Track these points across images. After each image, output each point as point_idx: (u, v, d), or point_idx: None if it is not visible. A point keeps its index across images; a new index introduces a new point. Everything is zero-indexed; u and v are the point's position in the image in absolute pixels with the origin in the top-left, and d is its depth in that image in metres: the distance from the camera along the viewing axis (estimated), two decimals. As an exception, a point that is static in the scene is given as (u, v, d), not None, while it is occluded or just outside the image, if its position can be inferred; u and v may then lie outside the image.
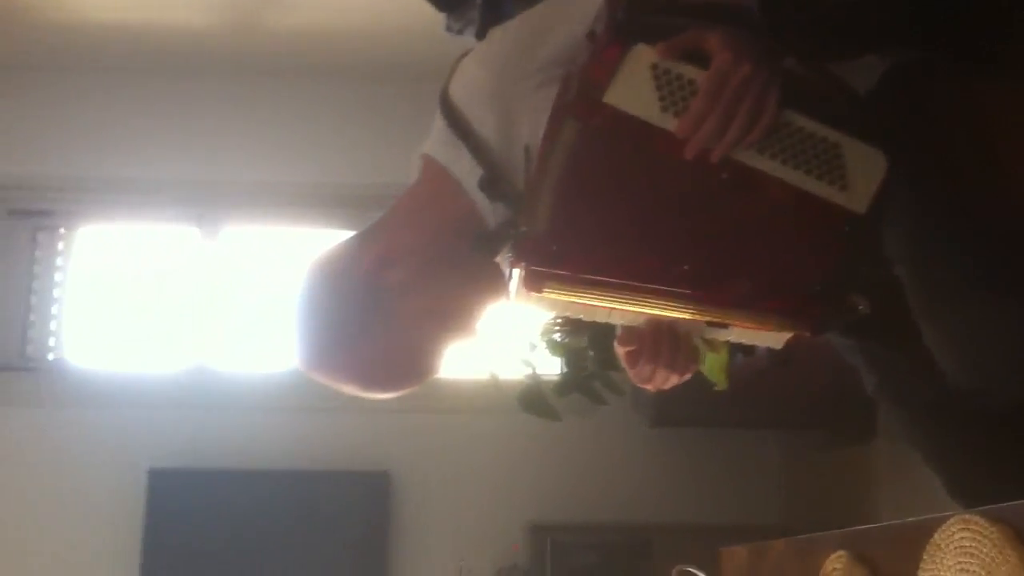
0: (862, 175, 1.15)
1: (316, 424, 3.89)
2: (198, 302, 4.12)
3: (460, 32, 2.32)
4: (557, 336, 3.17)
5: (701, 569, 1.69)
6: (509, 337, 3.25)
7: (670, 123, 1.11)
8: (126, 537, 3.81)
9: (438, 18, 2.33)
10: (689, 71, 1.11)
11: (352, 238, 1.32)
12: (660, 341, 1.28)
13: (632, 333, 1.29)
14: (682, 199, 1.16)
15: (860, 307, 1.21)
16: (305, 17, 3.83)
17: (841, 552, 1.30)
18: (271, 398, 3.93)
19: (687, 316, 1.23)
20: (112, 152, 4.10)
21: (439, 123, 1.29)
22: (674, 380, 1.33)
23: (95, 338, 4.16)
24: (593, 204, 1.16)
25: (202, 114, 4.17)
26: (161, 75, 4.14)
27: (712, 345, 1.34)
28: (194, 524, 3.82)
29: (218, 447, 3.92)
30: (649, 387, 1.35)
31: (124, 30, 3.88)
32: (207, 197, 4.15)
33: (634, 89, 1.10)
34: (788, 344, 1.29)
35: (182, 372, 4.07)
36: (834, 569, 1.31)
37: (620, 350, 1.32)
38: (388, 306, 1.24)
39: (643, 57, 1.10)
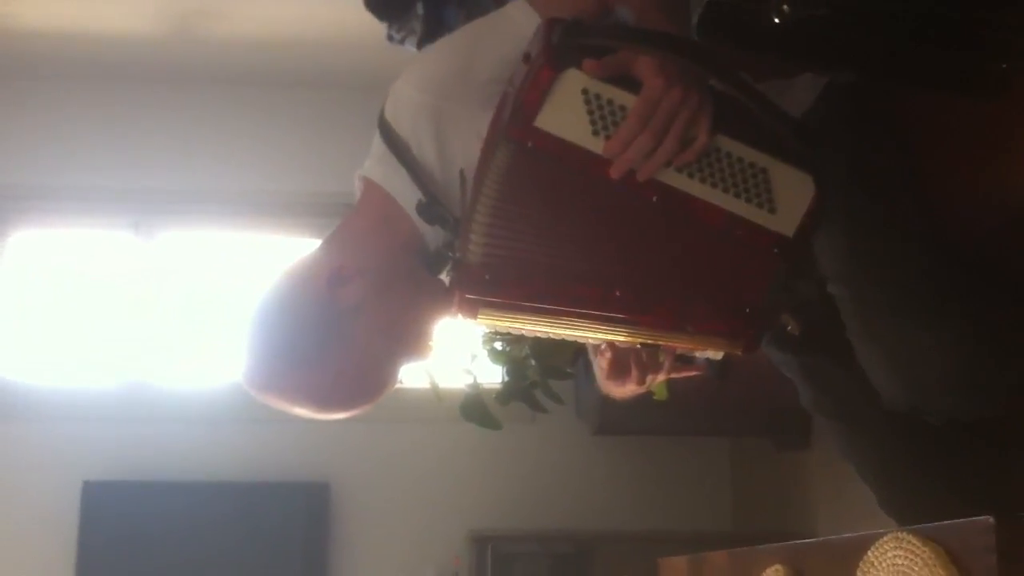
0: (790, 198, 1.18)
1: (254, 435, 3.84)
2: (134, 310, 4.05)
3: (402, 42, 2.30)
4: (498, 345, 3.16)
5: (642, 580, 1.69)
6: (450, 346, 3.24)
7: (601, 147, 1.12)
8: (60, 550, 3.73)
9: (382, 28, 2.32)
10: (620, 96, 1.12)
11: (307, 256, 1.29)
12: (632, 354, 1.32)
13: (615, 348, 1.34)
14: (613, 223, 1.17)
15: (789, 327, 1.23)
16: (247, 27, 3.78)
17: (778, 566, 1.31)
18: (208, 409, 3.87)
19: (621, 339, 1.26)
20: (45, 157, 4.02)
21: (379, 145, 1.28)
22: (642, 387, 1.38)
23: (27, 349, 4.06)
24: (526, 230, 1.17)
25: (140, 120, 4.10)
26: (98, 82, 4.06)
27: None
28: (129, 537, 3.75)
29: (153, 459, 3.85)
30: (624, 393, 1.39)
31: (62, 37, 3.81)
32: (144, 204, 4.08)
33: (566, 113, 1.11)
34: (726, 356, 1.31)
35: (117, 384, 3.99)
36: (771, 583, 1.31)
37: (602, 362, 1.36)
38: (341, 328, 1.22)
39: (575, 81, 1.11)
